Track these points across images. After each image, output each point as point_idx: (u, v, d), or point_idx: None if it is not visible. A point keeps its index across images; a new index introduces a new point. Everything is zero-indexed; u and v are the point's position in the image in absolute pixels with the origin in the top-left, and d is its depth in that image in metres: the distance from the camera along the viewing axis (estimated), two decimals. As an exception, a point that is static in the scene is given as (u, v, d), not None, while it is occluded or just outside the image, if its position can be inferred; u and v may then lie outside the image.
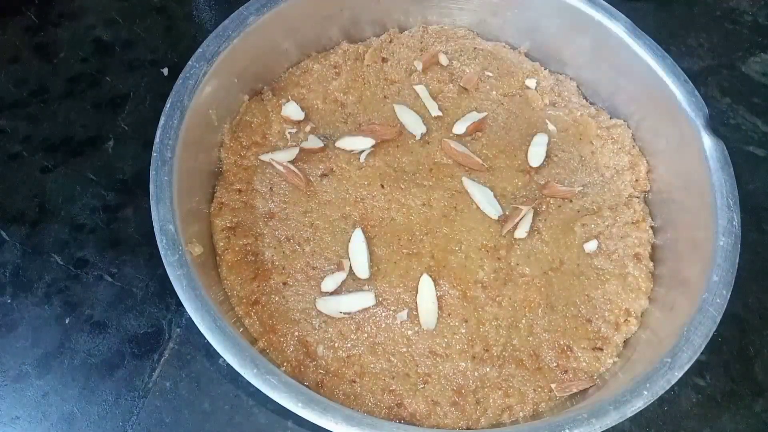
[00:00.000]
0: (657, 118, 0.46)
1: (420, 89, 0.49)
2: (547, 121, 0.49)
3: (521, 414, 0.39)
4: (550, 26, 0.50)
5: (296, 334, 0.40)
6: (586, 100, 0.51)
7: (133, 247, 0.47)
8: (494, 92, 0.50)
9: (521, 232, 0.43)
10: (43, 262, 0.47)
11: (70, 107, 0.52)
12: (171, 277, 0.36)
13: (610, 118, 0.50)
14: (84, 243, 0.47)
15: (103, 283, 0.46)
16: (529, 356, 0.40)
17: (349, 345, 0.40)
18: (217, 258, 0.43)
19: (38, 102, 0.52)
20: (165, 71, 0.54)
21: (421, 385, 0.39)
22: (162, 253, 0.36)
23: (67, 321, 0.45)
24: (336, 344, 0.40)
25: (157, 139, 0.40)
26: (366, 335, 0.40)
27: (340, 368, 0.40)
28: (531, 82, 0.50)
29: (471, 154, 0.46)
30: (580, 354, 0.41)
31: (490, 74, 0.50)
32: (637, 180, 0.47)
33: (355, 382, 0.39)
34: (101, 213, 0.48)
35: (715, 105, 0.57)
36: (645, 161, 0.47)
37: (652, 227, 0.46)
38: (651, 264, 0.44)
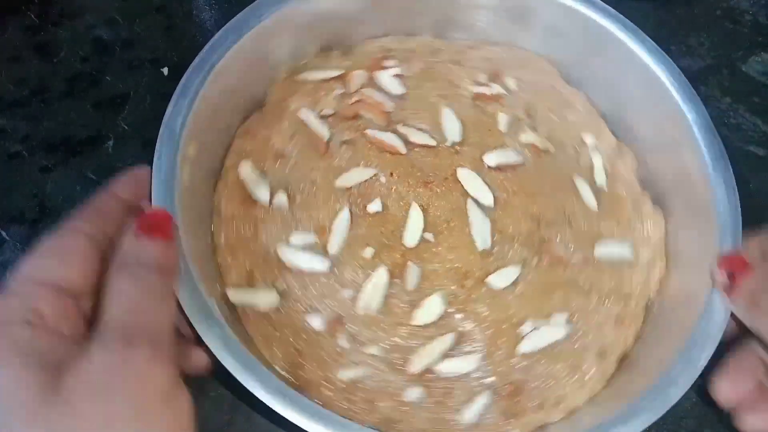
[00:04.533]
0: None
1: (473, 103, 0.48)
2: (585, 186, 0.45)
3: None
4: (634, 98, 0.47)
5: (247, 265, 0.41)
6: (639, 181, 0.47)
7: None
8: (550, 138, 0.47)
9: (498, 281, 0.41)
10: (43, 262, 0.46)
11: (70, 107, 0.52)
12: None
13: (653, 207, 0.46)
14: (84, 243, 0.47)
15: (102, 282, 0.46)
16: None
17: (288, 296, 0.40)
18: (223, 171, 0.44)
19: (38, 101, 0.52)
20: (165, 71, 0.54)
21: (331, 361, 0.39)
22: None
23: (67, 320, 0.45)
24: (275, 285, 0.40)
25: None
26: (307, 296, 0.40)
27: (272, 313, 0.40)
28: (589, 139, 0.47)
29: (485, 188, 0.44)
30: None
31: (554, 117, 0.48)
32: (645, 282, 0.43)
33: (275, 327, 0.39)
34: (101, 213, 0.48)
35: (715, 105, 0.57)
36: (664, 266, 0.44)
37: (637, 336, 0.42)
38: (612, 368, 0.41)
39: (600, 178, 0.46)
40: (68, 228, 0.31)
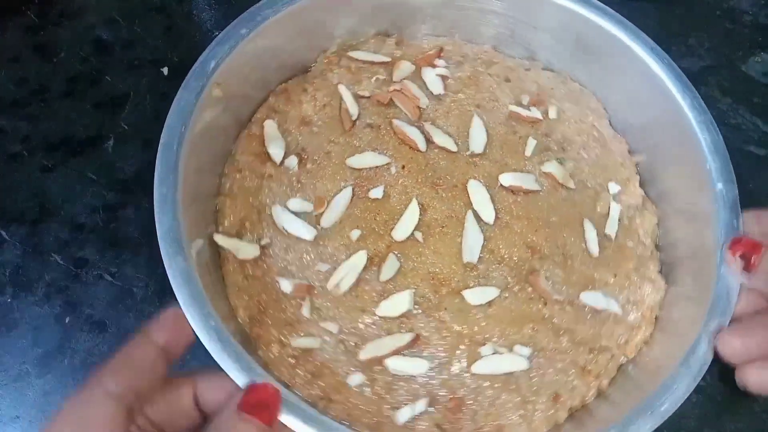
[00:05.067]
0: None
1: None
2: (593, 231, 0.44)
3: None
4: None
5: (242, 214, 0.42)
6: (653, 242, 0.45)
7: (133, 246, 0.47)
8: (574, 176, 0.46)
9: (473, 297, 0.40)
10: (43, 262, 0.46)
11: (70, 107, 0.53)
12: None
13: (660, 271, 0.44)
14: (84, 242, 0.47)
15: (103, 282, 0.46)
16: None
17: (268, 253, 0.41)
18: (250, 122, 0.45)
19: (38, 101, 0.52)
20: (165, 71, 0.54)
21: (289, 326, 0.39)
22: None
23: (67, 320, 0.45)
24: (260, 241, 0.41)
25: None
26: (286, 258, 0.41)
27: (249, 264, 0.41)
28: (614, 187, 0.45)
29: (490, 205, 0.43)
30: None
31: (586, 156, 0.47)
32: (626, 342, 0.41)
33: (247, 278, 0.40)
34: (101, 213, 0.48)
35: (715, 105, 0.57)
36: (650, 332, 0.41)
37: (600, 391, 0.40)
38: (563, 415, 0.39)
39: (611, 228, 0.44)
40: (94, 388, 0.28)
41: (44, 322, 0.45)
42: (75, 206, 0.49)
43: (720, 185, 0.40)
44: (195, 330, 0.33)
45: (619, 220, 0.44)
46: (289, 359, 0.38)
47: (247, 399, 0.29)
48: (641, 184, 0.46)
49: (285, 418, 0.31)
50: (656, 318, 0.42)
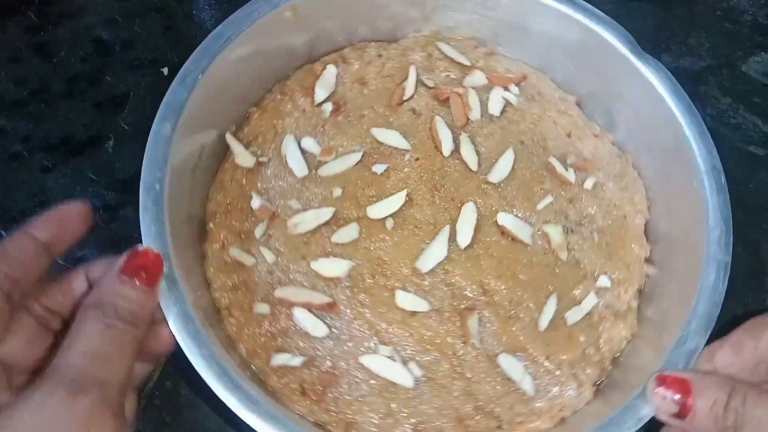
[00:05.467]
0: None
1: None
2: (552, 308, 0.41)
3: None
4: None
5: (262, 127, 0.45)
6: (610, 353, 0.41)
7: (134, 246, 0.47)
8: (572, 250, 0.44)
9: (402, 301, 0.40)
10: (42, 262, 0.46)
11: (70, 107, 0.52)
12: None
13: (597, 384, 0.40)
14: (84, 242, 0.47)
15: (103, 282, 0.46)
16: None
17: (259, 170, 0.44)
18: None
19: (38, 101, 0.52)
20: (165, 71, 0.54)
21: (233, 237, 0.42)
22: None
23: (67, 320, 0.45)
24: (259, 158, 0.44)
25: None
26: (270, 181, 0.43)
27: (242, 170, 0.43)
28: (604, 281, 0.42)
29: (470, 233, 0.42)
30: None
31: (596, 240, 0.44)
32: (519, 424, 0.38)
33: (233, 179, 0.43)
34: (101, 212, 0.48)
35: (715, 105, 0.56)
36: (546, 427, 0.39)
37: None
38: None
39: (574, 316, 0.41)
40: None
41: (44, 322, 0.45)
42: (74, 206, 0.48)
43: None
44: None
45: (587, 313, 0.41)
46: (222, 261, 0.41)
47: (128, 263, 0.31)
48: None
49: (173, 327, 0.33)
50: (563, 419, 0.39)
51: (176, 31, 0.56)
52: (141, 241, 0.36)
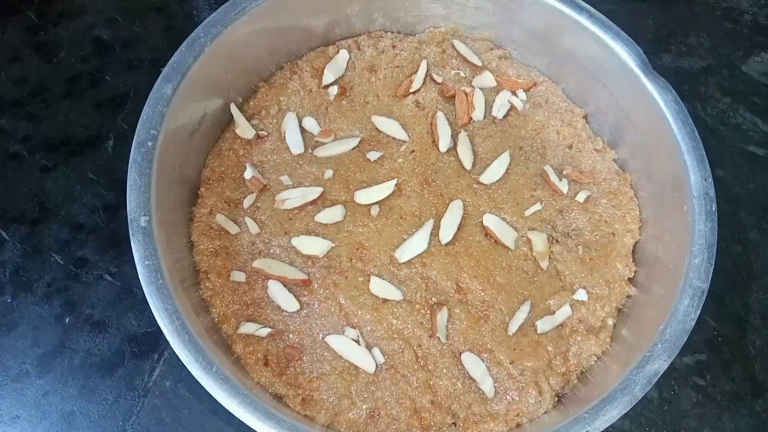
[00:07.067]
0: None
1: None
2: (523, 315, 0.41)
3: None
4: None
5: (267, 102, 0.46)
6: (577, 367, 0.41)
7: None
8: (554, 260, 0.43)
9: (375, 287, 0.40)
10: (43, 262, 0.46)
11: (70, 107, 0.52)
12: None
13: (558, 396, 0.40)
14: (84, 242, 0.47)
15: (102, 282, 0.46)
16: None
17: (256, 143, 0.45)
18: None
19: (38, 101, 0.52)
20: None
21: (221, 204, 0.43)
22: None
23: (67, 320, 0.45)
24: (259, 131, 0.45)
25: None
26: (266, 155, 0.44)
27: (240, 141, 0.44)
28: (581, 295, 0.42)
29: (453, 230, 0.42)
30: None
31: (580, 253, 0.44)
32: (474, 424, 0.39)
33: (232, 149, 0.45)
34: (101, 212, 0.48)
35: (715, 105, 0.56)
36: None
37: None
38: (373, 428, 0.38)
39: (545, 325, 0.41)
40: None
41: (44, 322, 0.45)
42: (75, 206, 0.49)
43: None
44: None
45: (560, 324, 0.41)
46: (208, 226, 0.42)
47: None
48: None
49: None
50: (518, 425, 0.39)
51: (176, 31, 0.57)
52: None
